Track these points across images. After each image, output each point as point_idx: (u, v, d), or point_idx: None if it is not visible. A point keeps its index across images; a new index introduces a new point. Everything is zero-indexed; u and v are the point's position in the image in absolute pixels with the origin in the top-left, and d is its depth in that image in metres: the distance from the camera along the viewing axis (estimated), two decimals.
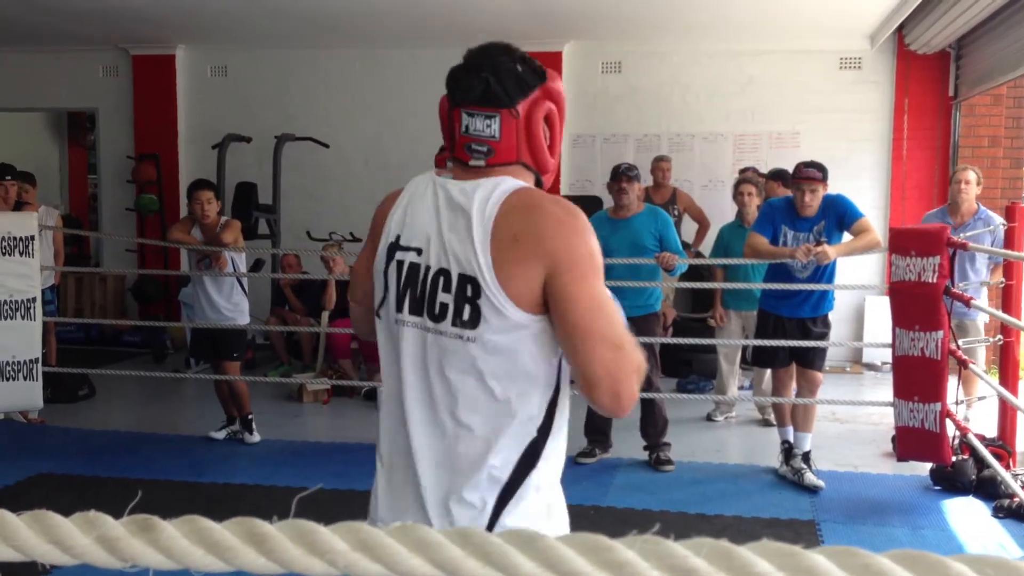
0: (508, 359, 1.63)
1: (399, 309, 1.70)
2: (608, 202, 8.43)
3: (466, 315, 1.62)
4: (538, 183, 1.76)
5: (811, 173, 4.99)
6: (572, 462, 5.52)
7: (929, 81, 8.43)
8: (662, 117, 8.81)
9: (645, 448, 5.55)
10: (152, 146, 9.59)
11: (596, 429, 5.58)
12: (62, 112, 11.56)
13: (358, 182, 9.29)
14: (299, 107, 9.37)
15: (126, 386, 7.65)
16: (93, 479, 5.21)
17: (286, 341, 8.13)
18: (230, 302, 5.81)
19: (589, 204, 8.52)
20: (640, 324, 5.38)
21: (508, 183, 1.66)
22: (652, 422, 5.50)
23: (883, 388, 7.37)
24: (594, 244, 1.65)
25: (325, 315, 7.52)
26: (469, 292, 1.62)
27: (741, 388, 6.97)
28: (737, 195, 6.53)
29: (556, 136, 1.77)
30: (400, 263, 1.71)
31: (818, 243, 4.96)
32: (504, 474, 1.66)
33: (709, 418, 6.65)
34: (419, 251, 1.69)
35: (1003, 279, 5.30)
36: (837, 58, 8.59)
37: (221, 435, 5.98)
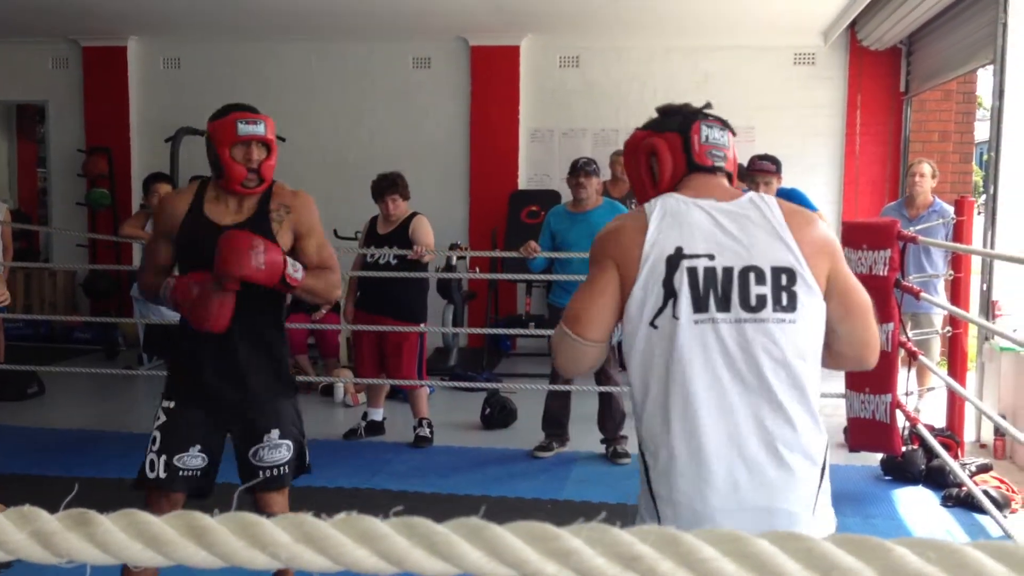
0: (816, 336, 1.94)
1: (701, 309, 1.91)
2: (566, 196, 8.46)
3: (785, 300, 1.90)
4: None
5: (765, 166, 5.05)
6: (528, 456, 5.53)
7: (881, 77, 8.54)
8: (619, 112, 8.84)
9: (602, 441, 5.57)
10: (103, 139, 9.44)
11: (554, 422, 5.59)
12: (11, 105, 11.33)
13: (315, 178, 9.19)
14: (254, 101, 9.10)
15: (77, 383, 7.53)
16: (40, 478, 5.11)
17: None
18: None
19: (546, 199, 8.55)
20: None
21: (756, 195, 2.04)
22: (610, 415, 5.52)
23: (833, 380, 7.47)
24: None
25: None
26: (784, 281, 1.91)
27: None
28: None
29: None
30: (692, 270, 1.92)
31: None
32: (819, 457, 1.94)
33: None
34: (711, 256, 1.92)
35: (951, 272, 5.39)
36: (791, 54, 8.68)
37: None
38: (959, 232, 5.34)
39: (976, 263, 5.78)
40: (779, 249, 1.91)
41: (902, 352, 4.89)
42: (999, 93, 5.91)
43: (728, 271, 1.90)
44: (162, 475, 2.96)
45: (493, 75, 8.90)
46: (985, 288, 5.88)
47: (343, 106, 9.20)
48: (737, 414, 1.88)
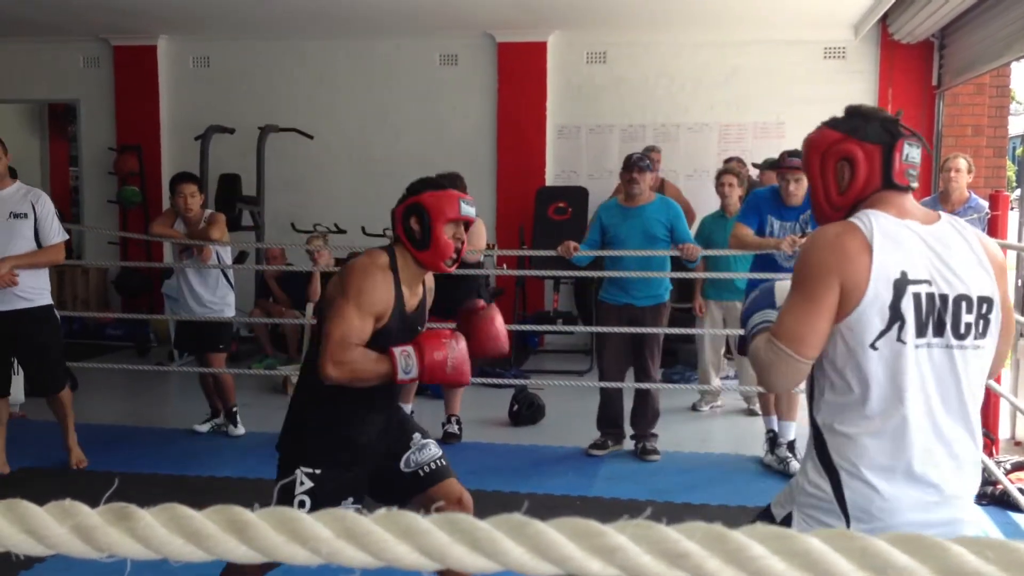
0: (990, 361, 2.07)
1: (922, 334, 1.97)
2: (595, 192, 8.45)
3: (982, 328, 2.00)
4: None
5: (796, 163, 4.98)
6: (584, 454, 5.52)
7: (913, 71, 8.44)
8: (647, 108, 8.80)
9: (632, 438, 5.55)
10: (134, 137, 9.52)
11: (610, 422, 5.59)
12: (43, 104, 11.45)
13: (342, 174, 9.26)
14: (282, 98, 9.31)
15: (109, 379, 7.59)
16: (75, 472, 5.17)
17: (270, 333, 8.09)
18: (215, 295, 5.78)
19: (574, 195, 8.53)
20: (650, 314, 5.41)
21: (947, 217, 2.08)
22: (643, 412, 5.51)
23: None
24: None
25: (310, 307, 7.48)
26: (984, 309, 2.00)
27: (726, 378, 6.98)
28: (719, 186, 6.51)
29: None
30: (917, 296, 1.96)
31: (803, 234, 4.96)
32: (979, 465, 2.11)
33: (694, 408, 6.65)
34: (929, 282, 1.97)
35: None
36: (821, 48, 8.59)
37: (205, 428, 5.95)
38: (993, 226, 5.25)
39: (1011, 258, 5.70)
40: (983, 279, 2.00)
41: None
42: None
43: (944, 298, 1.97)
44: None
45: (520, 71, 8.89)
46: (1020, 283, 5.80)
47: (370, 103, 9.22)
48: (941, 438, 1.98)
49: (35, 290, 4.96)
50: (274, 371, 7.20)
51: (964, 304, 1.97)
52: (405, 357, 2.73)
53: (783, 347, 1.98)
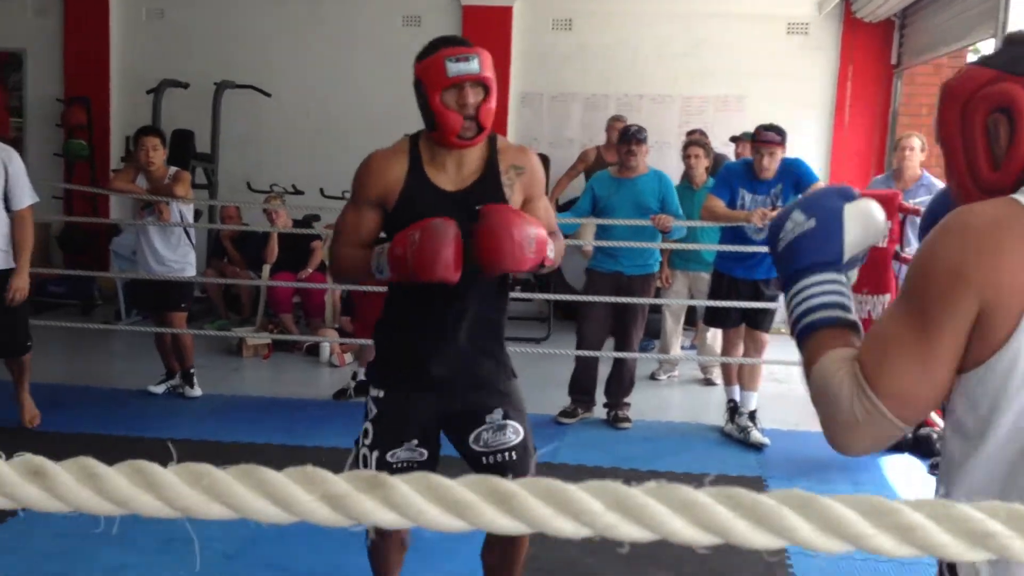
0: None
1: None
2: (556, 162, 8.40)
3: None
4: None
5: (771, 137, 5.01)
6: (553, 422, 5.51)
7: (873, 49, 8.52)
8: (611, 77, 8.76)
9: (605, 405, 5.58)
10: (83, 89, 9.22)
11: (584, 389, 5.59)
12: None
13: (299, 134, 9.09)
14: (239, 54, 9.08)
15: (54, 337, 7.38)
16: (20, 431, 5.00)
17: (224, 294, 7.95)
18: (176, 254, 5.65)
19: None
20: (639, 283, 5.45)
21: None
22: (620, 380, 5.54)
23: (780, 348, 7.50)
24: None
25: (266, 268, 7.36)
26: None
27: (683, 348, 7.03)
28: (685, 157, 6.53)
29: None
30: None
31: (774, 207, 4.99)
32: None
33: (653, 377, 6.69)
34: None
35: None
36: (785, 23, 8.63)
37: (160, 389, 5.83)
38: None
39: None
40: None
41: None
42: None
43: None
44: None
45: (485, 36, 8.76)
46: None
47: (330, 63, 9.04)
48: None
49: (3, 253, 4.77)
50: (228, 332, 7.08)
51: None
52: (378, 255, 2.44)
53: (881, 406, 1.27)
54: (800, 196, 1.61)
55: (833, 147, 8.59)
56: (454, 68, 2.39)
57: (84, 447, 0.82)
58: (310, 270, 7.32)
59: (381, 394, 2.59)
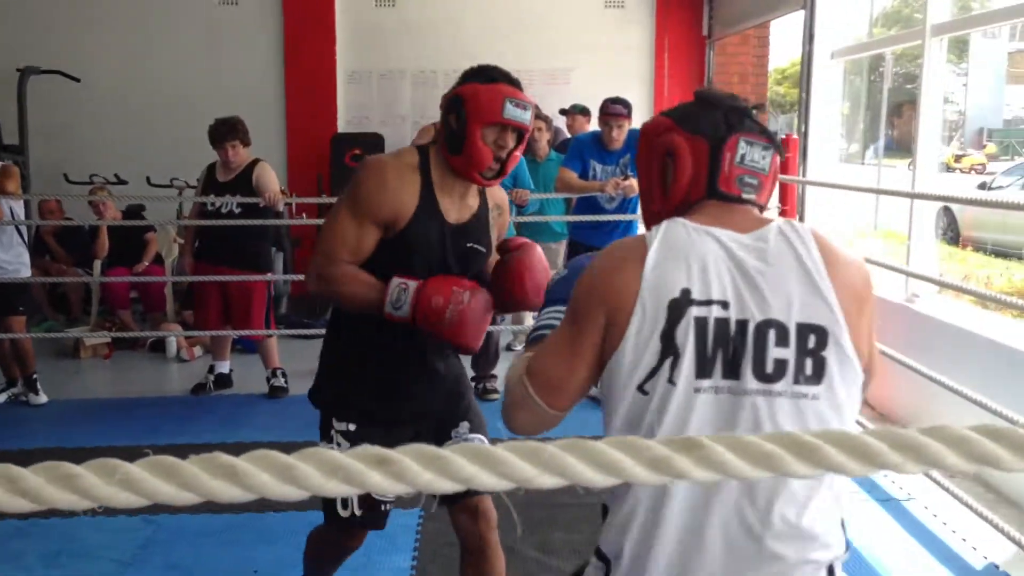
0: (844, 418, 1.45)
1: (704, 374, 1.43)
2: (390, 141, 8.39)
3: (809, 369, 1.42)
4: None
5: (618, 110, 5.24)
6: None
7: (685, 21, 8.94)
8: (437, 53, 8.80)
9: (473, 379, 5.68)
10: None
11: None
12: None
13: (115, 121, 8.63)
14: (41, 37, 8.52)
15: None
16: None
17: (48, 294, 7.51)
18: (9, 254, 5.31)
19: (369, 142, 8.44)
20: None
21: (785, 223, 1.54)
22: (484, 352, 5.64)
23: None
24: None
25: (98, 264, 7.01)
26: (812, 343, 1.43)
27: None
28: None
29: None
30: (701, 321, 1.43)
31: (625, 176, 5.23)
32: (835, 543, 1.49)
33: (509, 348, 6.86)
34: (724, 304, 1.44)
35: (779, 204, 5.82)
36: None
37: (1, 398, 5.49)
38: (783, 167, 5.76)
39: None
40: (811, 300, 1.44)
41: None
42: (809, 38, 6.37)
43: (742, 325, 1.43)
44: (357, 512, 2.44)
45: (307, 15, 8.62)
46: (798, 218, 6.39)
47: (142, 45, 8.61)
48: (728, 534, 1.43)
49: None
50: (62, 333, 6.72)
51: (773, 333, 1.43)
52: (400, 290, 2.24)
53: (535, 395, 1.53)
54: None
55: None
56: (512, 112, 2.29)
57: None
58: (146, 263, 7.04)
59: (352, 428, 2.42)
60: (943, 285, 4.89)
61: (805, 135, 6.34)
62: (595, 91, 6.98)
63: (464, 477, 0.73)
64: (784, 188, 5.82)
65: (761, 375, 1.42)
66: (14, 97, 8.04)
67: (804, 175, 6.27)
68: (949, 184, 16.62)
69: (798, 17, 6.79)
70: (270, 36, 8.68)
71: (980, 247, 12.78)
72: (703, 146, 1.55)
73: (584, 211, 5.46)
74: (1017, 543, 3.17)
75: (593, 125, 6.99)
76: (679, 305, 1.43)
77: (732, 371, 1.42)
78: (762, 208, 1.60)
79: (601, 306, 1.48)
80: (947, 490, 3.65)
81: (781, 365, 1.42)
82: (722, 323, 1.43)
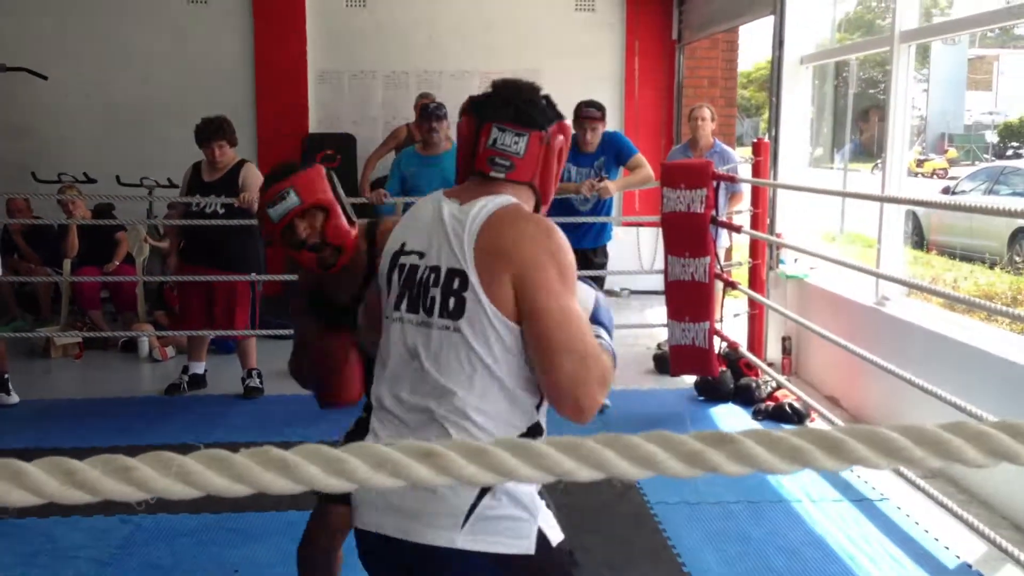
0: (487, 354, 1.71)
1: (398, 307, 1.82)
2: (362, 142, 8.37)
3: (451, 306, 1.73)
4: (536, 209, 1.90)
5: (592, 113, 5.28)
6: None
7: (655, 25, 9.03)
8: (409, 54, 8.81)
9: None
10: None
11: None
12: None
13: (82, 119, 8.56)
14: (8, 33, 8.42)
15: None
16: None
17: (16, 293, 7.42)
18: None
19: (341, 142, 8.43)
20: None
21: (504, 198, 1.80)
22: None
23: (626, 312, 7.96)
24: (566, 261, 1.75)
25: (67, 263, 6.93)
26: (456, 285, 1.74)
27: None
28: None
29: (559, 170, 1.93)
30: (402, 266, 1.84)
31: (600, 178, 5.27)
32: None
33: None
34: (420, 254, 1.82)
35: (752, 208, 5.90)
36: (573, 1, 8.99)
37: None
38: (756, 171, 5.83)
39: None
40: (454, 250, 1.76)
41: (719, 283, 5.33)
42: (779, 43, 6.45)
43: (424, 270, 1.80)
44: None
45: (277, 15, 8.59)
46: (769, 221, 6.46)
47: (110, 43, 8.54)
48: (404, 427, 1.76)
49: None
50: (32, 333, 6.64)
51: (432, 276, 1.78)
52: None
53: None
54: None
55: (626, 118, 9.05)
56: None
57: None
58: (117, 263, 6.97)
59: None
60: (915, 288, 4.98)
61: (775, 139, 6.41)
62: (566, 93, 6.95)
63: (507, 470, 0.76)
64: (756, 192, 5.89)
65: (425, 309, 1.77)
66: None
67: (775, 179, 6.35)
68: (913, 188, 16.87)
69: (765, 22, 6.89)
70: (240, 35, 8.64)
71: (946, 251, 12.98)
72: (472, 130, 1.85)
73: (558, 213, 5.49)
74: (991, 541, 3.24)
75: None
76: (396, 255, 1.87)
77: (413, 306, 1.80)
78: (532, 186, 1.86)
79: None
80: (921, 489, 3.72)
81: (433, 301, 1.76)
82: (413, 269, 1.82)
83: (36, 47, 8.40)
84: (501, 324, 1.71)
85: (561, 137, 1.88)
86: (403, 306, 1.81)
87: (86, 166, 8.12)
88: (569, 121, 1.93)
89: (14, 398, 5.42)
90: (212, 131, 5.39)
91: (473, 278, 1.72)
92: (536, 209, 1.89)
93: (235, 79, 8.64)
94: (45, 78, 8.24)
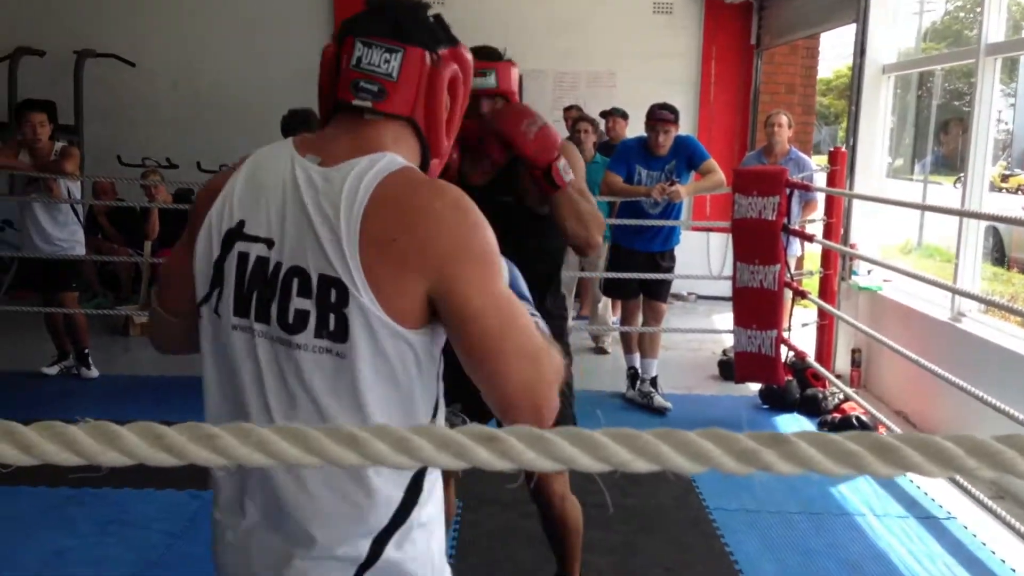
0: (385, 380, 1.33)
1: (240, 313, 1.36)
2: None
3: (332, 325, 1.30)
4: (423, 165, 1.44)
5: (665, 116, 5.27)
6: None
7: (734, 30, 8.96)
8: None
9: None
10: None
11: None
12: None
13: (167, 105, 8.81)
14: (100, 20, 8.69)
15: None
16: None
17: (99, 272, 7.67)
18: (65, 232, 5.46)
19: None
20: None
21: (386, 162, 1.34)
22: None
23: (692, 317, 7.92)
24: (489, 239, 1.35)
25: (148, 245, 7.14)
26: (334, 298, 1.29)
27: (576, 318, 7.28)
28: (575, 132, 6.73)
29: (456, 113, 1.46)
30: (244, 256, 1.36)
31: (671, 182, 5.26)
32: (386, 516, 1.37)
33: None
34: (270, 243, 1.35)
35: (825, 217, 5.83)
36: (651, 3, 8.96)
37: (54, 371, 5.64)
38: (832, 180, 5.76)
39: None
40: (325, 249, 1.29)
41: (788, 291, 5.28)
42: (861, 51, 6.36)
43: (278, 269, 1.33)
44: None
45: (358, 9, 8.70)
46: (843, 231, 6.38)
47: (196, 30, 8.77)
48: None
49: None
50: (113, 311, 6.86)
51: (297, 282, 1.32)
52: None
53: (154, 298, 1.60)
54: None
55: (700, 123, 9.00)
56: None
57: None
58: None
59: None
60: (992, 305, 4.88)
61: (853, 148, 6.32)
62: (640, 95, 7.03)
63: (565, 458, 0.79)
64: (831, 201, 5.81)
65: (284, 324, 1.32)
66: (71, 79, 8.21)
67: (851, 188, 6.26)
68: (996, 203, 16.45)
69: (846, 30, 6.79)
70: (322, 26, 8.79)
71: None
72: (332, 50, 1.41)
73: (627, 215, 5.51)
74: None
75: (632, 128, 7.04)
76: (232, 237, 1.37)
77: (263, 315, 1.34)
78: (413, 125, 1.41)
79: (193, 221, 1.43)
80: (989, 509, 3.66)
81: (303, 316, 1.30)
82: (261, 263, 1.35)
83: (126, 35, 8.65)
84: (403, 341, 1.31)
85: (455, 67, 1.42)
86: (251, 313, 1.35)
87: (169, 151, 8.35)
88: (469, 55, 1.47)
89: (94, 372, 5.62)
90: (297, 124, 5.50)
91: (360, 289, 1.27)
92: (424, 166, 1.43)
93: (315, 67, 8.77)
94: (133, 64, 8.49)
